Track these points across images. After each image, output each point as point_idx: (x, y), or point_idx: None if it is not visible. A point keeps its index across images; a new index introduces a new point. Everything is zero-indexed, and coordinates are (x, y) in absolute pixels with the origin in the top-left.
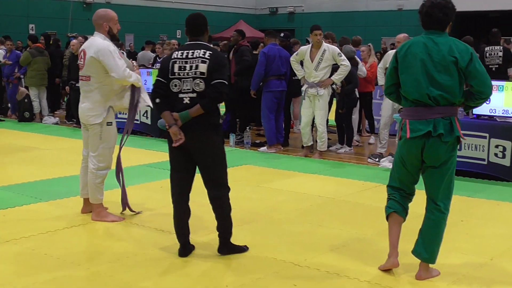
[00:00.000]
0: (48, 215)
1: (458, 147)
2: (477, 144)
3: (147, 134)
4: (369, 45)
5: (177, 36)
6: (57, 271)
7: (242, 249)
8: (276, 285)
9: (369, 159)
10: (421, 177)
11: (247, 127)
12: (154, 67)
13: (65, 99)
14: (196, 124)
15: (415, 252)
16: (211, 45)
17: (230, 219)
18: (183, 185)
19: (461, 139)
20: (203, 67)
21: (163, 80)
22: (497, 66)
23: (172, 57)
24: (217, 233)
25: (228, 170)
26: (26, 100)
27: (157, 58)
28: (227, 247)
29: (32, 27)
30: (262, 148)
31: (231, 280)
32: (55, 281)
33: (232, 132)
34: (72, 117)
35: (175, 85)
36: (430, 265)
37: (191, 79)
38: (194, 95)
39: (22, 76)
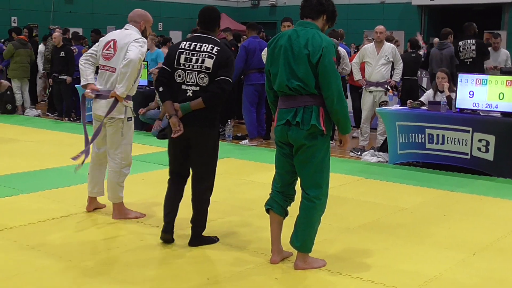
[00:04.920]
0: (30, 207)
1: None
2: (460, 138)
3: None
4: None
5: (159, 29)
6: (39, 263)
7: (212, 240)
8: (257, 278)
9: (351, 153)
10: None
11: (228, 120)
12: None
13: (47, 91)
14: (195, 118)
15: (290, 241)
16: (219, 40)
17: (206, 214)
18: (179, 164)
19: (319, 128)
20: (209, 62)
21: (167, 68)
22: (471, 59)
23: (180, 47)
24: (191, 225)
25: None
26: (8, 93)
27: None
28: (198, 240)
29: (15, 20)
30: (243, 141)
31: (211, 273)
32: (37, 273)
33: None
34: (54, 110)
35: (179, 76)
36: (311, 255)
37: (195, 72)
38: (197, 88)
39: (4, 69)
